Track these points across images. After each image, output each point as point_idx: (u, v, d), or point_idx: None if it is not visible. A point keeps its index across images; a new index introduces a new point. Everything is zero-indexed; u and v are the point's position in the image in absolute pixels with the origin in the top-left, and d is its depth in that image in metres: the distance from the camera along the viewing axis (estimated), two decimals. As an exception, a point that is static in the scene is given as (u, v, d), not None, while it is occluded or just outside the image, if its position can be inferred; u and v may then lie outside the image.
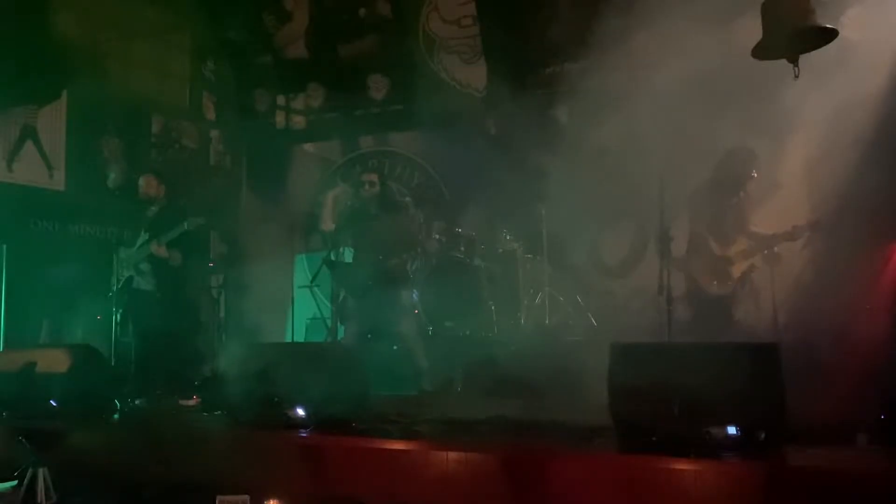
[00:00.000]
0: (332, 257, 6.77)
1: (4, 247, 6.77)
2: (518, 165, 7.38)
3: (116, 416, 5.32)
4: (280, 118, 9.85)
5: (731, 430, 3.34)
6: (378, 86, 9.15)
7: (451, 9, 8.76)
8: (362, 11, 9.08)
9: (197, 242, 6.42)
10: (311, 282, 7.95)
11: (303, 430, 4.26)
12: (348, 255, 6.76)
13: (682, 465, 3.13)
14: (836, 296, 5.09)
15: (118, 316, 6.38)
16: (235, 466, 4.13)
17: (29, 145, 7.65)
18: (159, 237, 6.11)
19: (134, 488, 4.24)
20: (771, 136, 5.29)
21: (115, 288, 6.27)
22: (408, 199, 7.29)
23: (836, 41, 3.88)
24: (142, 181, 6.48)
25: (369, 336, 6.23)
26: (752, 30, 4.07)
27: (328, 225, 6.38)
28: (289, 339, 7.48)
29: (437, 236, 7.30)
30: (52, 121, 7.83)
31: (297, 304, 7.57)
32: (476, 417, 4.46)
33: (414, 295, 6.57)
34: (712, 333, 5.05)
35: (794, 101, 4.61)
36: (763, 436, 3.35)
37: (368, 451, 3.89)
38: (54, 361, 5.28)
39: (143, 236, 6.31)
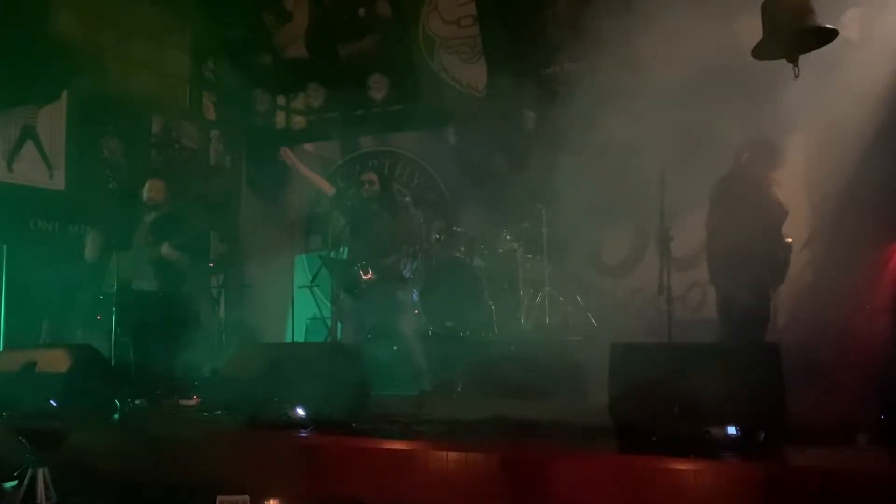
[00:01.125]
0: (332, 256, 6.77)
1: (4, 247, 6.76)
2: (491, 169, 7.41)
3: (116, 416, 5.31)
4: (280, 118, 9.86)
5: (731, 430, 3.34)
6: (378, 86, 9.15)
7: (451, 9, 8.75)
8: (362, 11, 9.07)
9: (199, 243, 6.38)
10: (311, 282, 7.95)
11: (303, 431, 4.25)
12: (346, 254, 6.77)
13: (682, 465, 3.13)
14: (836, 296, 5.09)
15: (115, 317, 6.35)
16: (235, 466, 4.13)
17: (29, 145, 7.65)
18: (171, 239, 6.08)
19: (134, 488, 4.23)
20: (771, 137, 5.28)
21: (111, 290, 6.23)
22: (408, 199, 7.28)
23: (836, 41, 3.88)
24: (147, 184, 6.45)
25: (369, 336, 6.22)
26: (752, 29, 4.06)
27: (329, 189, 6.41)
28: (289, 339, 7.49)
29: (437, 236, 7.30)
30: (52, 121, 7.82)
31: (297, 304, 7.59)
32: (476, 417, 4.46)
33: (414, 295, 6.57)
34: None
35: (794, 101, 4.60)
36: (763, 436, 3.35)
37: (368, 451, 3.89)
38: (54, 361, 5.26)
39: (149, 238, 6.27)
